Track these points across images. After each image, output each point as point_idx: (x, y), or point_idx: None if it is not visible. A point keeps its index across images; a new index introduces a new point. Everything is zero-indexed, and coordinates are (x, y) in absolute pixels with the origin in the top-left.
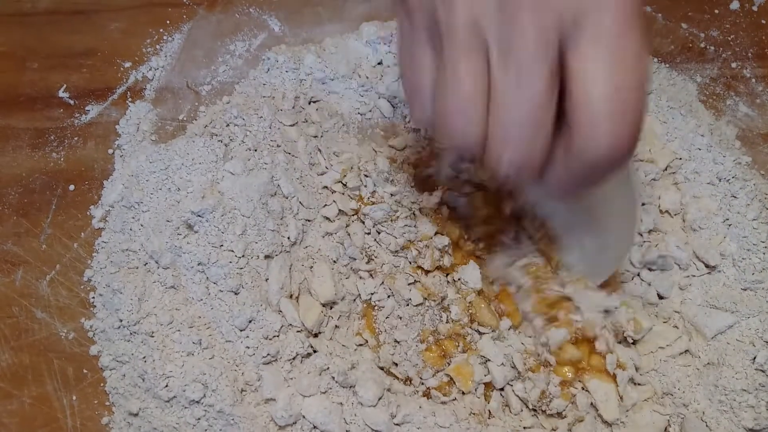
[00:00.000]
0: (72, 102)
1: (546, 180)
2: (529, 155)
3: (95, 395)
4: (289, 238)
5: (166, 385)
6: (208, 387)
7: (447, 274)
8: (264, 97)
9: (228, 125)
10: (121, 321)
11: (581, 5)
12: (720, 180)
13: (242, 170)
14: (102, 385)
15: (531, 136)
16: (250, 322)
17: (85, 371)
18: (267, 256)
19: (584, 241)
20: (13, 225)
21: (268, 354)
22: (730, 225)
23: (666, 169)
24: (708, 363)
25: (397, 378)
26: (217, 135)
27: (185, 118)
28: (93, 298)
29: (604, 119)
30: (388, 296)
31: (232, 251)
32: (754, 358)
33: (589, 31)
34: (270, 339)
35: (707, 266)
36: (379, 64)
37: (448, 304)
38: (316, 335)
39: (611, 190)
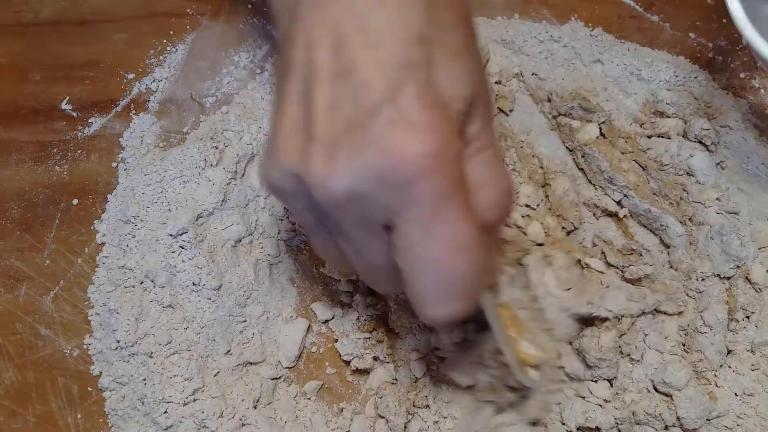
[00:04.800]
0: (75, 114)
1: None
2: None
3: (100, 414)
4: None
5: (165, 411)
6: (208, 428)
7: None
8: (263, 109)
9: (224, 132)
10: (118, 342)
11: (392, 208)
12: None
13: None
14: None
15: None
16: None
17: (89, 389)
18: None
19: None
20: (16, 240)
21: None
22: None
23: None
24: None
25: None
26: (213, 143)
27: (189, 131)
28: (91, 316)
29: (427, 303)
30: None
31: None
32: None
33: (402, 230)
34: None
35: None
36: None
37: None
38: None
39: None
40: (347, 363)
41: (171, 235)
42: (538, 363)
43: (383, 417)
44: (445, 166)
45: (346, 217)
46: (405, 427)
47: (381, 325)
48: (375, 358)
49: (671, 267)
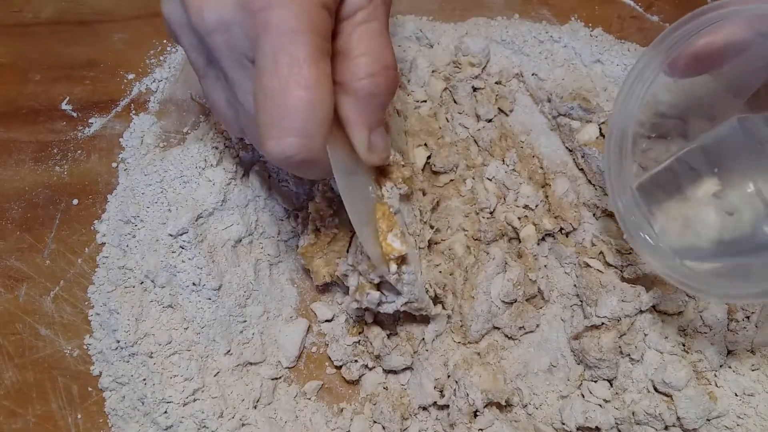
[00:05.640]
0: (75, 114)
1: None
2: None
3: (100, 414)
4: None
5: (165, 411)
6: (208, 428)
7: None
8: None
9: (224, 132)
10: (118, 342)
11: (252, 37)
12: None
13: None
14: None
15: None
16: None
17: (89, 389)
18: None
19: None
20: (17, 240)
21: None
22: None
23: None
24: None
25: None
26: (213, 143)
27: (189, 131)
28: (91, 316)
29: (265, 135)
30: None
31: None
32: None
33: (256, 60)
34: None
35: None
36: None
37: None
38: None
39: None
40: (339, 368)
41: (171, 235)
42: (400, 255)
43: (378, 423)
44: (302, 3)
45: (220, 47)
46: (405, 430)
47: (370, 328)
48: (364, 366)
49: None
